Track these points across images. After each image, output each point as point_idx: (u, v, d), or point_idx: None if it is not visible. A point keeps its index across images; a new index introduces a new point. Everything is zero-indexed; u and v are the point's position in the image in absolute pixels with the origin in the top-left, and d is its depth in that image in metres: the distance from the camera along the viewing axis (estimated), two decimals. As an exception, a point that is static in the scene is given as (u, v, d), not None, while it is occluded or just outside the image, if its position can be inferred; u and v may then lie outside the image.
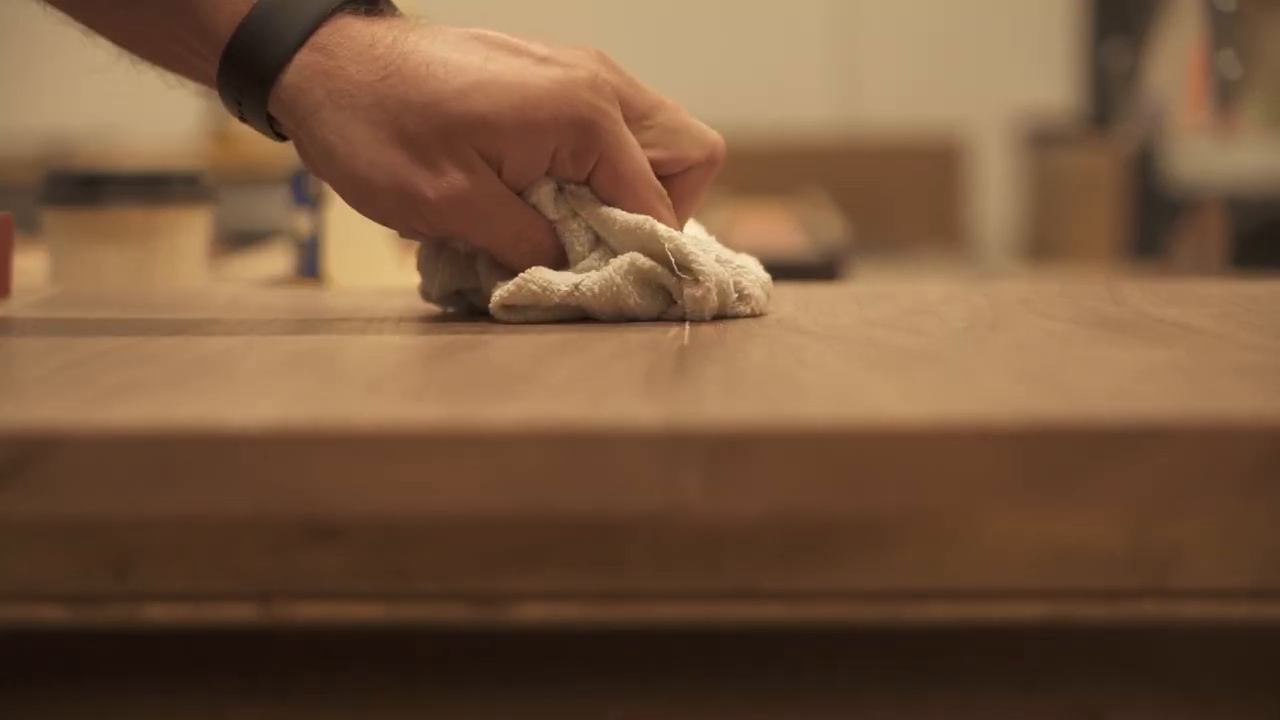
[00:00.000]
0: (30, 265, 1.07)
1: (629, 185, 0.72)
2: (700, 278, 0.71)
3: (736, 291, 0.72)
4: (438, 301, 0.77)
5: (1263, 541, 0.49)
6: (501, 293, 0.72)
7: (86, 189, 1.03)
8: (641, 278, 0.72)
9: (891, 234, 3.12)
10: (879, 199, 3.28)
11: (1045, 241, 3.03)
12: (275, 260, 1.30)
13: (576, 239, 0.73)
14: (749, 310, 0.73)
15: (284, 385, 0.54)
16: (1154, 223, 2.82)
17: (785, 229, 1.96)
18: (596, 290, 0.71)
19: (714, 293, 0.71)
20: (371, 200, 0.71)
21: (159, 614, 0.50)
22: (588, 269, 0.73)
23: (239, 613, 0.50)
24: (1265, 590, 0.49)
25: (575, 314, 0.72)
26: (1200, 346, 0.62)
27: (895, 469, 0.46)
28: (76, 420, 0.48)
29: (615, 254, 0.72)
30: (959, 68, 3.49)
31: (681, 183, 0.75)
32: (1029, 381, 0.52)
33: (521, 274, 0.72)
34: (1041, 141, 3.12)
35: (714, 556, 0.49)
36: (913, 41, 3.51)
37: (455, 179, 0.70)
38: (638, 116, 0.73)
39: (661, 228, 0.71)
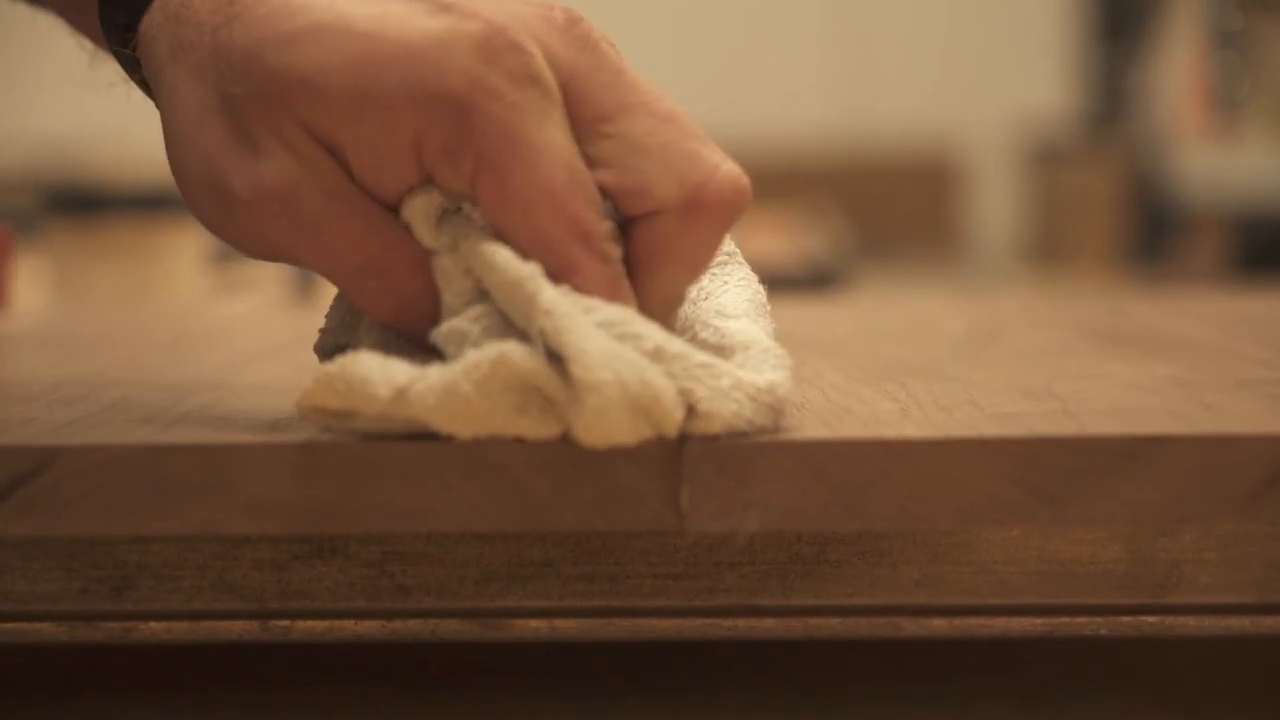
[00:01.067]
0: (31, 276, 1.07)
1: (523, 209, 0.46)
2: (581, 388, 0.44)
3: (686, 404, 0.45)
4: (323, 356, 0.52)
5: (1263, 557, 0.49)
6: (307, 389, 0.46)
7: (88, 205, 1.03)
8: (513, 384, 0.45)
9: (890, 241, 3.12)
10: (877, 206, 3.28)
11: (1047, 248, 3.03)
12: (272, 269, 1.30)
13: (449, 284, 0.48)
14: (711, 430, 0.45)
15: (283, 402, 0.54)
16: (1157, 231, 2.82)
17: (786, 239, 1.96)
18: (431, 402, 0.45)
19: (614, 410, 0.44)
20: (184, 192, 0.50)
21: (157, 632, 0.50)
22: (457, 335, 0.47)
23: (237, 630, 0.50)
24: (1265, 606, 0.49)
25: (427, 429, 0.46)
26: (1201, 360, 0.62)
27: (893, 485, 0.46)
28: (73, 438, 0.48)
29: (504, 317, 0.47)
30: (958, 74, 3.49)
31: (645, 232, 0.48)
32: (1028, 396, 0.52)
33: (330, 363, 0.46)
34: (1043, 147, 3.13)
35: (712, 573, 0.49)
36: (912, 47, 3.51)
37: (271, 166, 0.47)
38: (594, 117, 0.48)
39: (548, 293, 0.45)
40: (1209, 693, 0.52)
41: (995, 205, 3.45)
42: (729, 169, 0.48)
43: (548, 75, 0.47)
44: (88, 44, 0.57)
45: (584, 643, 0.50)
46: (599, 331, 0.45)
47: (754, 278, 0.53)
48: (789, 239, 1.98)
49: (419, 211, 0.48)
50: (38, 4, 0.59)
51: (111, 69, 0.55)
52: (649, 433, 0.45)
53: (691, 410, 0.45)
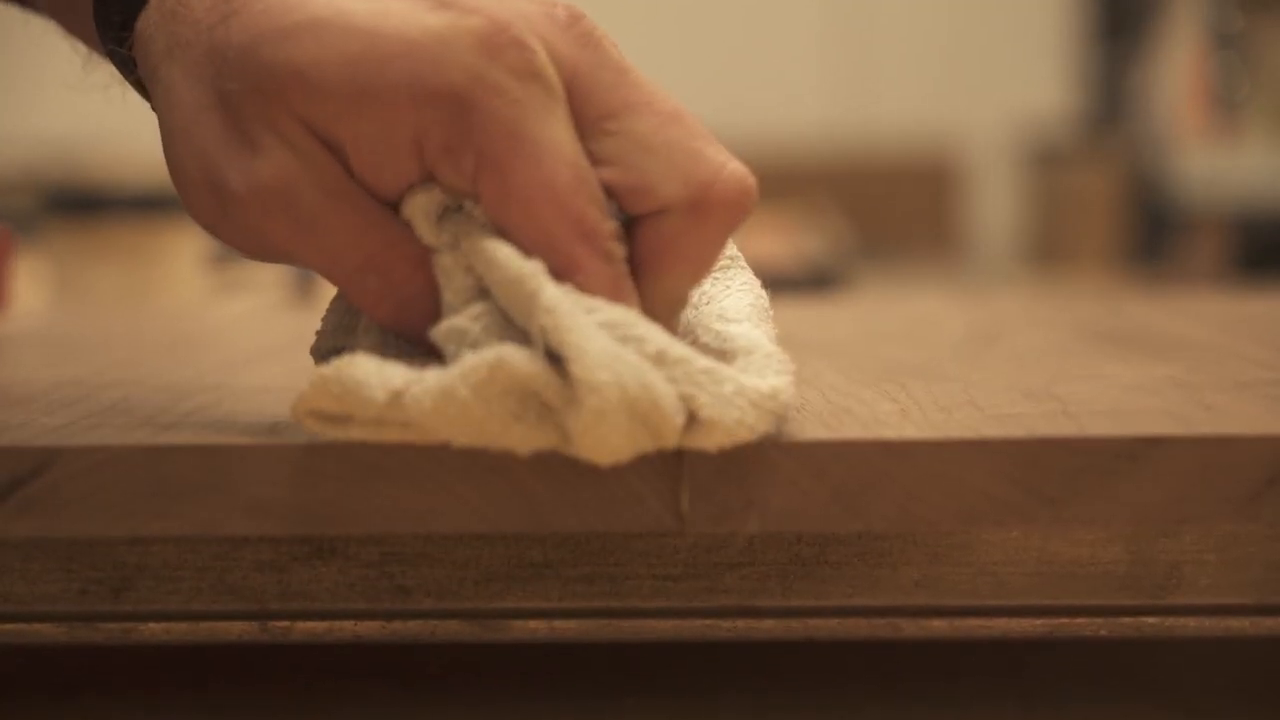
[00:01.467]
0: (31, 277, 1.07)
1: (525, 206, 0.46)
2: (580, 389, 0.43)
3: (688, 410, 0.44)
4: (319, 359, 0.52)
5: (1262, 558, 0.49)
6: (301, 393, 0.46)
7: (88, 206, 1.03)
8: (511, 389, 0.44)
9: (890, 242, 3.12)
10: (877, 206, 3.28)
11: (1047, 249, 3.04)
12: (271, 271, 1.30)
13: (450, 282, 0.47)
14: (713, 439, 0.45)
15: (282, 403, 0.54)
16: (1156, 232, 2.82)
17: (786, 240, 1.96)
18: (428, 405, 0.44)
19: (613, 413, 0.43)
20: (180, 191, 0.49)
21: (156, 633, 0.50)
22: (457, 334, 0.46)
23: (237, 631, 0.50)
24: (1265, 607, 0.49)
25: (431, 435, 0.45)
26: (1201, 360, 0.62)
27: (893, 486, 0.46)
28: (73, 439, 0.48)
29: (504, 315, 0.46)
30: (958, 74, 3.49)
31: (650, 232, 0.47)
32: (1028, 397, 0.52)
33: (326, 365, 0.45)
34: (1043, 147, 3.13)
35: (712, 574, 0.49)
36: (911, 48, 3.52)
37: (268, 162, 0.47)
38: (598, 115, 0.47)
39: (550, 291, 0.44)
40: (1209, 693, 0.52)
41: (995, 206, 3.45)
42: (735, 168, 0.47)
43: (550, 71, 0.46)
44: (80, 46, 0.57)
45: (584, 644, 0.50)
46: (601, 332, 0.44)
47: (756, 282, 0.53)
48: (789, 240, 1.98)
49: (419, 209, 0.47)
50: (28, 6, 0.58)
51: (105, 70, 0.55)
52: (647, 441, 0.44)
53: (693, 417, 0.45)
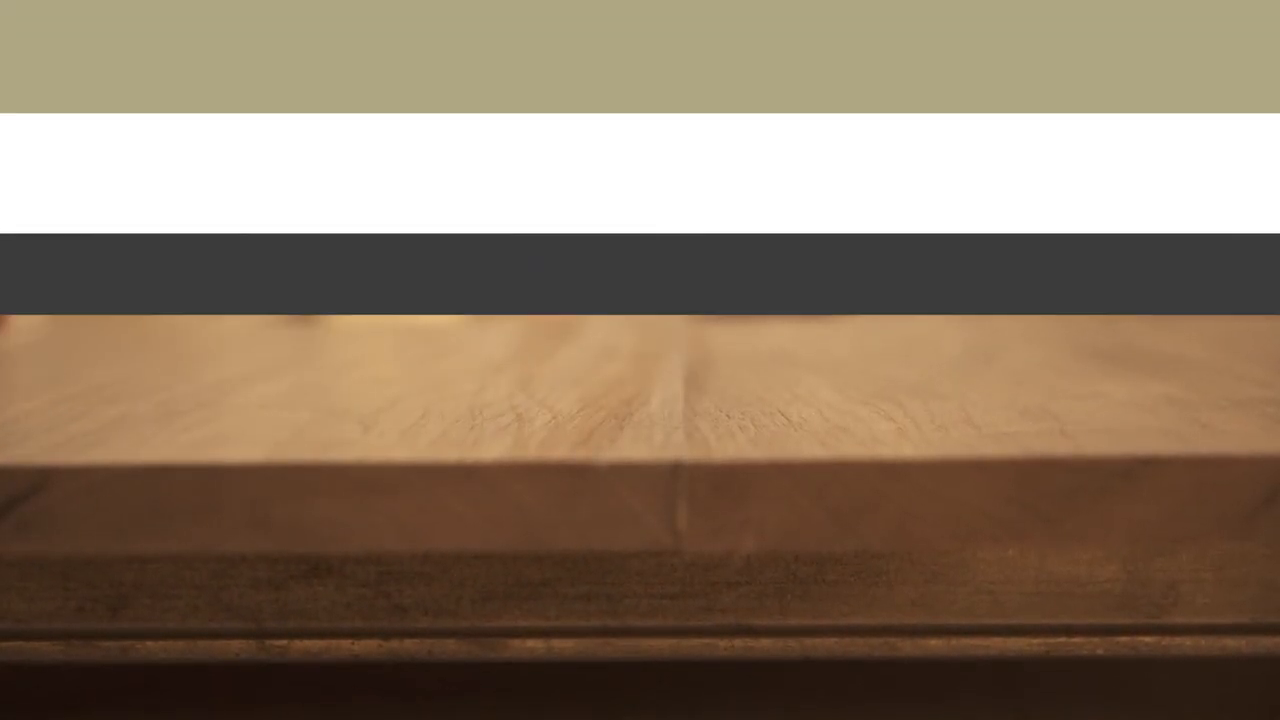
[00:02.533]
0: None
1: None
2: None
3: None
4: None
5: (1259, 576, 0.49)
6: None
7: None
8: None
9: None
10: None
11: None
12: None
13: None
14: None
15: (280, 420, 0.54)
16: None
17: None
18: None
19: None
20: None
21: (153, 651, 0.49)
22: None
23: (234, 649, 0.50)
24: (1261, 626, 0.49)
25: None
26: (1197, 379, 0.62)
27: (890, 505, 0.46)
28: (71, 457, 0.47)
29: None
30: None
31: None
32: (1024, 415, 0.52)
33: None
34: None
35: (709, 593, 0.49)
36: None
37: None
38: None
39: None
40: (1205, 712, 0.52)
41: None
42: None
43: None
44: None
45: (581, 662, 0.50)
46: None
47: None
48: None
49: None
50: None
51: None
52: None
53: None
